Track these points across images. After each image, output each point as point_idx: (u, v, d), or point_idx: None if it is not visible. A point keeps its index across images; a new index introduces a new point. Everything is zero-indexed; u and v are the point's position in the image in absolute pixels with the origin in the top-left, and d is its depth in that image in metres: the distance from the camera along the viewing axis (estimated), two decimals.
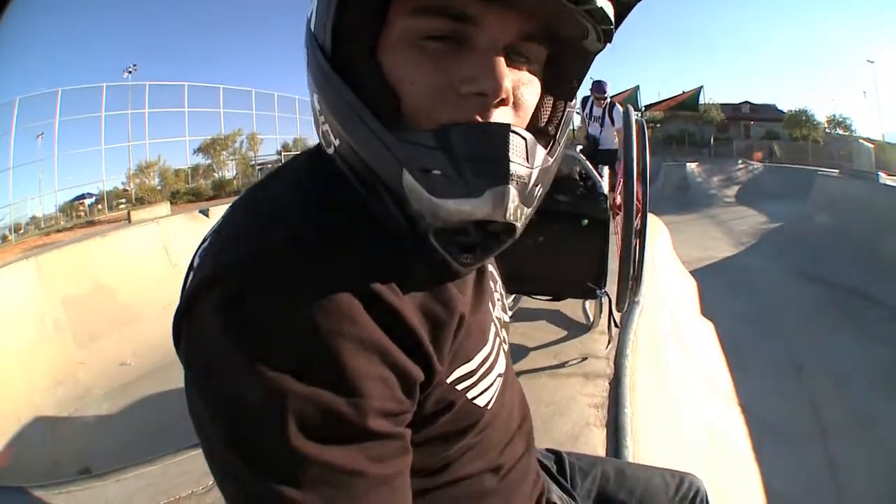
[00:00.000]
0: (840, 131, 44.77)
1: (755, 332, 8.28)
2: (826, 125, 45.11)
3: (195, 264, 0.70)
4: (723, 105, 49.56)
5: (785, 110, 47.40)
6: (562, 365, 3.34)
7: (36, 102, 23.90)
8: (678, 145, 42.28)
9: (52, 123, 23.90)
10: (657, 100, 40.40)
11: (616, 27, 0.72)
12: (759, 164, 28.29)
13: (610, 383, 3.01)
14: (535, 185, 0.68)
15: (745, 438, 4.90)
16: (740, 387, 5.90)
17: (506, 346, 0.94)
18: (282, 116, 34.80)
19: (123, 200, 26.34)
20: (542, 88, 0.77)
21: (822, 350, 7.65)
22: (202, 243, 0.73)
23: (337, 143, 0.72)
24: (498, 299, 0.99)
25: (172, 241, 9.18)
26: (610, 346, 3.42)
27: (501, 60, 0.66)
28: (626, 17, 0.75)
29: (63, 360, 6.43)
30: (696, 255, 12.83)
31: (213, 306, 0.60)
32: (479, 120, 0.66)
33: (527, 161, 0.66)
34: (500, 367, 0.87)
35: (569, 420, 2.69)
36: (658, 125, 43.55)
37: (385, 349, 0.61)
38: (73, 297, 7.11)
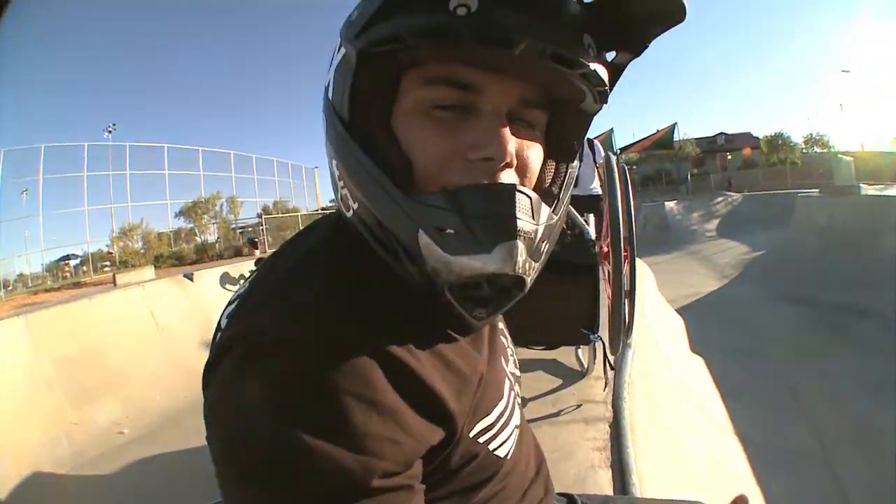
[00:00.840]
0: (818, 149, 45.24)
1: (746, 362, 8.31)
2: (803, 145, 45.54)
3: (223, 324, 0.75)
4: (697, 139, 50.12)
5: (760, 136, 47.81)
6: (559, 413, 3.35)
7: (19, 157, 24.00)
8: (655, 184, 42.61)
9: (35, 180, 23.95)
10: (632, 140, 40.65)
11: (611, 88, 0.78)
12: (738, 195, 28.53)
13: (610, 426, 3.03)
14: (542, 240, 0.73)
15: (746, 465, 4.90)
16: (737, 416, 5.90)
17: (519, 399, 0.98)
18: (261, 179, 35.08)
19: (108, 263, 26.33)
20: (544, 151, 0.82)
21: (815, 369, 7.68)
22: (229, 305, 0.79)
23: (356, 206, 0.76)
24: (510, 355, 1.05)
25: (158, 305, 9.14)
26: (606, 389, 3.44)
27: (505, 127, 0.72)
28: (619, 77, 0.79)
29: (57, 419, 6.32)
30: (681, 293, 12.91)
31: (236, 362, 0.65)
32: (484, 182, 0.71)
33: (532, 218, 0.71)
34: (516, 418, 0.92)
35: (574, 464, 2.71)
36: (634, 167, 43.84)
37: (400, 411, 0.65)
38: (64, 357, 7.01)
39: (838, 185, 18.53)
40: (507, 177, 0.73)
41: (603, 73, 0.73)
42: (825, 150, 44.64)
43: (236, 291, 0.82)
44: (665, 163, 47.12)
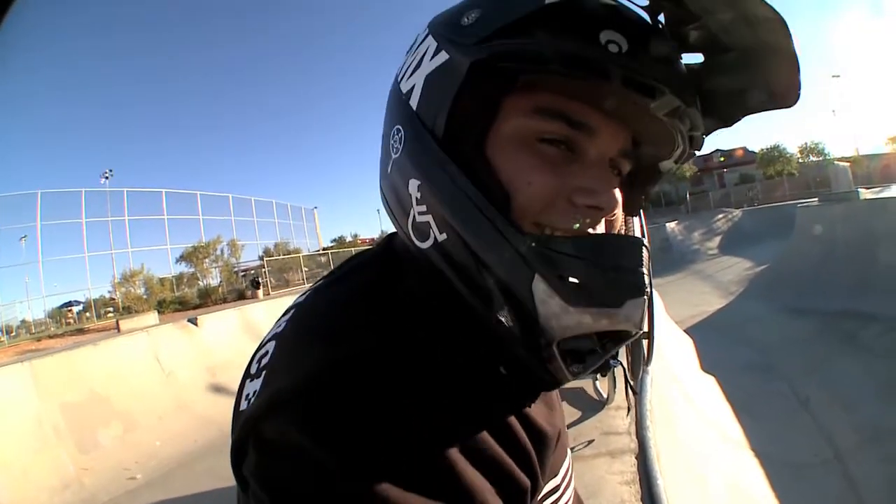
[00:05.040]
0: (814, 157, 45.59)
1: (757, 377, 8.26)
2: (799, 155, 45.89)
3: (260, 374, 0.63)
4: (695, 158, 50.69)
5: (756, 150, 48.17)
6: (585, 445, 3.31)
7: (15, 203, 24.21)
8: (654, 206, 42.83)
9: (34, 227, 24.14)
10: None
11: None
12: (738, 212, 28.66)
13: (636, 457, 2.98)
14: None
15: (764, 481, 4.85)
16: (751, 431, 5.86)
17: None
18: (260, 221, 35.40)
19: (111, 309, 26.47)
20: None
21: (825, 378, 7.63)
22: (262, 349, 0.67)
23: (442, 237, 0.66)
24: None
25: (163, 351, 9.14)
26: (629, 416, 3.40)
27: (612, 175, 0.69)
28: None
29: (66, 464, 6.34)
30: (687, 313, 12.89)
31: (301, 419, 0.54)
32: (591, 232, 0.66)
33: (648, 273, 0.65)
34: (573, 480, 0.85)
35: (604, 500, 2.68)
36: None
37: (500, 461, 0.58)
38: (71, 403, 7.04)
39: (836, 193, 18.56)
40: (602, 227, 0.69)
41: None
42: (821, 159, 44.97)
43: (258, 349, 0.69)
44: (664, 184, 47.36)
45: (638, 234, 0.80)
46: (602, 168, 0.67)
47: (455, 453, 0.54)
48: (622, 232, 0.77)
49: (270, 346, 0.66)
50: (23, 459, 6.06)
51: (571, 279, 0.60)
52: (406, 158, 0.69)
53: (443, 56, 0.67)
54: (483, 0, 0.67)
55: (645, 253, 0.65)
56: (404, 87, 0.73)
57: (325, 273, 0.84)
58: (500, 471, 0.58)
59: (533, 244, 0.61)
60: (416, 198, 0.68)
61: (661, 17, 0.66)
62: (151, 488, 6.25)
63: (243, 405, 0.63)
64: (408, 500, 0.50)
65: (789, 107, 0.67)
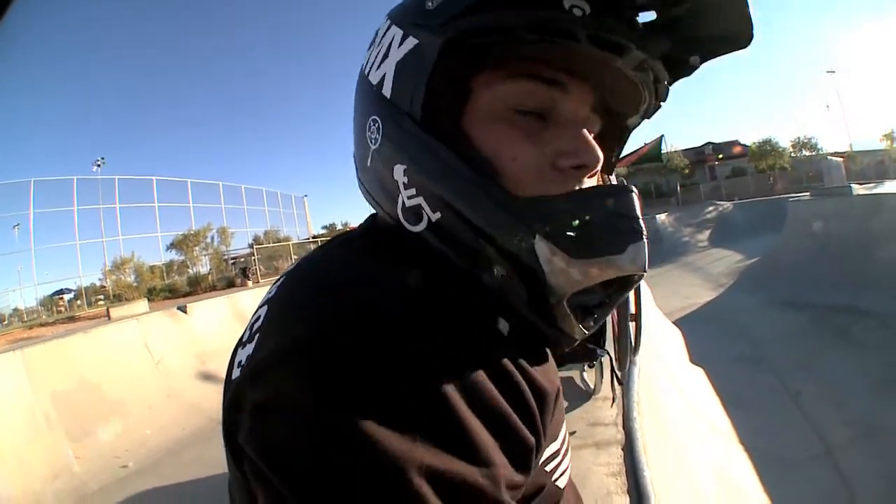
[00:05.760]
0: (807, 152, 45.57)
1: (747, 370, 8.31)
2: (791, 149, 45.84)
3: (253, 338, 0.60)
4: (685, 150, 50.34)
5: (749, 143, 48.11)
6: (571, 434, 3.32)
7: (8, 192, 24.13)
8: (645, 198, 42.76)
9: (25, 214, 24.07)
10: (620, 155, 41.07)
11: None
12: (729, 204, 28.71)
13: (623, 449, 3.00)
14: None
15: (753, 475, 4.89)
16: (740, 425, 5.88)
17: None
18: (251, 209, 35.30)
19: (102, 297, 26.43)
20: None
21: (816, 372, 7.68)
22: (254, 316, 0.66)
23: (437, 216, 0.66)
24: None
25: (153, 339, 9.13)
26: (615, 407, 3.41)
27: (588, 133, 0.69)
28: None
29: (57, 453, 6.33)
30: (677, 305, 12.96)
31: (299, 373, 0.51)
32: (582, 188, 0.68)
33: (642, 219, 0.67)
34: (570, 451, 0.83)
35: (590, 492, 2.67)
36: (622, 179, 43.93)
37: (508, 418, 0.57)
38: (62, 392, 7.04)
39: (829, 187, 18.62)
40: (589, 185, 0.70)
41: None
42: (814, 153, 45.01)
43: (252, 318, 0.67)
44: (654, 176, 47.29)
45: None
46: (578, 126, 0.69)
47: (462, 408, 0.52)
48: None
49: (262, 311, 0.65)
50: (14, 447, 6.05)
51: (571, 234, 0.62)
52: (387, 145, 0.70)
53: (411, 41, 0.68)
54: None
55: (636, 200, 0.66)
56: (374, 79, 0.73)
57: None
58: (507, 427, 0.57)
59: (527, 204, 0.63)
60: (404, 182, 0.68)
61: None
62: (142, 476, 6.24)
63: (235, 373, 0.60)
64: (413, 454, 0.48)
65: (745, 45, 0.69)
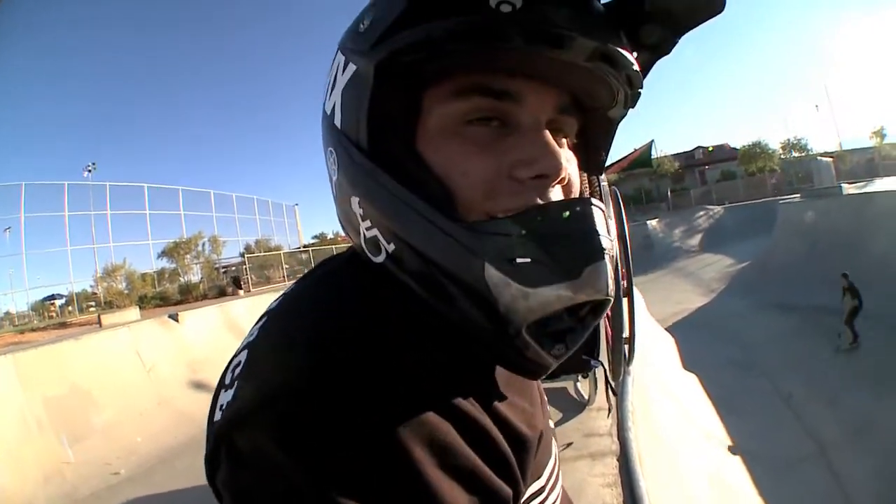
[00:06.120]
0: (796, 153, 45.68)
1: (739, 374, 8.37)
2: (781, 151, 45.95)
3: (233, 384, 0.60)
4: (675, 155, 50.47)
5: (738, 147, 48.25)
6: (565, 447, 3.32)
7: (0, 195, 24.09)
8: (636, 204, 42.82)
9: (16, 218, 24.02)
10: (609, 160, 41.20)
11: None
12: (720, 208, 28.81)
13: (618, 460, 3.00)
14: (613, 257, 0.62)
15: (747, 478, 4.91)
16: (734, 429, 5.93)
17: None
18: (242, 217, 35.21)
19: (93, 303, 26.31)
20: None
21: (806, 374, 7.74)
22: (235, 359, 0.64)
23: (391, 248, 0.64)
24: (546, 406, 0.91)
25: (144, 346, 9.13)
26: (609, 418, 3.41)
27: (551, 138, 0.63)
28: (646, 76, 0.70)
29: (49, 458, 6.35)
30: (669, 311, 13.00)
31: (273, 429, 0.51)
32: (541, 203, 0.61)
33: (608, 233, 0.61)
34: (560, 478, 0.81)
35: (585, 503, 2.67)
36: (614, 188, 43.93)
37: (479, 471, 0.55)
38: (53, 397, 7.05)
39: (819, 188, 18.70)
40: (557, 194, 0.64)
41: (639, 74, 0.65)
42: (803, 154, 45.12)
43: (232, 359, 0.65)
44: (645, 181, 47.38)
45: (606, 194, 0.76)
46: (537, 132, 0.63)
47: (430, 466, 0.51)
48: (586, 195, 0.74)
49: (243, 355, 0.62)
50: (5, 451, 6.06)
51: (520, 259, 0.58)
52: (343, 178, 0.68)
53: (351, 68, 0.65)
54: (375, 3, 0.65)
55: (596, 212, 0.61)
56: (328, 108, 0.72)
57: (302, 274, 0.80)
58: (479, 482, 0.55)
59: (474, 232, 0.59)
60: (360, 214, 0.67)
61: None
62: (133, 483, 6.24)
63: (217, 415, 0.59)
64: None
65: (718, 13, 0.63)
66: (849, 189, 14.68)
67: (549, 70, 0.62)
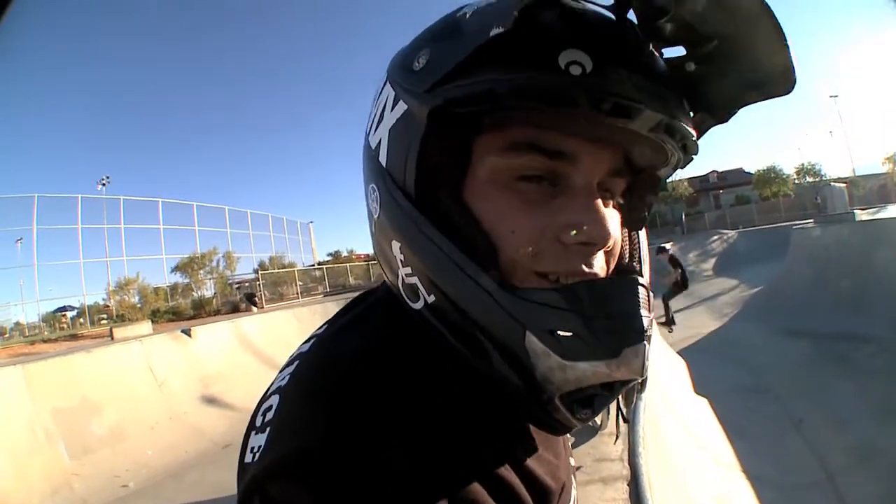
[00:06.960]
0: (810, 178, 45.50)
1: (750, 399, 8.27)
2: (795, 176, 45.79)
3: (264, 428, 0.60)
4: (690, 179, 50.34)
5: (753, 171, 48.09)
6: (576, 469, 3.31)
7: (12, 206, 24.23)
8: (650, 227, 42.66)
9: (29, 230, 24.15)
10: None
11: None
12: (734, 233, 28.64)
13: (629, 485, 2.99)
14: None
15: (755, 501, 4.85)
16: (744, 454, 5.85)
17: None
18: (256, 234, 35.42)
19: (105, 316, 26.41)
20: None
21: (817, 400, 7.63)
22: (266, 402, 0.64)
23: (431, 299, 0.63)
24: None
25: (156, 361, 9.15)
26: (619, 442, 3.40)
27: (601, 203, 0.63)
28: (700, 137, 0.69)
29: (57, 469, 6.36)
30: (681, 335, 12.93)
31: (309, 484, 0.51)
32: (585, 270, 0.61)
33: (649, 312, 0.61)
34: None
35: None
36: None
37: None
38: (63, 409, 7.07)
39: (832, 214, 18.59)
40: (600, 260, 0.64)
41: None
42: (817, 180, 44.91)
43: (262, 401, 0.66)
44: (659, 205, 47.20)
45: (644, 249, 0.76)
46: (589, 196, 0.62)
47: None
48: (626, 253, 0.74)
49: (274, 400, 0.62)
50: (14, 462, 6.08)
51: (563, 333, 0.57)
52: (385, 219, 0.67)
53: (402, 106, 0.64)
54: (431, 38, 0.65)
55: (642, 291, 0.61)
56: (372, 142, 0.70)
57: (329, 318, 0.78)
58: None
59: (518, 298, 0.58)
60: (401, 259, 0.66)
61: (632, 16, 0.61)
62: (143, 497, 6.25)
63: (248, 458, 0.59)
64: None
65: (786, 93, 0.62)
66: (861, 215, 14.55)
67: (609, 135, 0.61)
